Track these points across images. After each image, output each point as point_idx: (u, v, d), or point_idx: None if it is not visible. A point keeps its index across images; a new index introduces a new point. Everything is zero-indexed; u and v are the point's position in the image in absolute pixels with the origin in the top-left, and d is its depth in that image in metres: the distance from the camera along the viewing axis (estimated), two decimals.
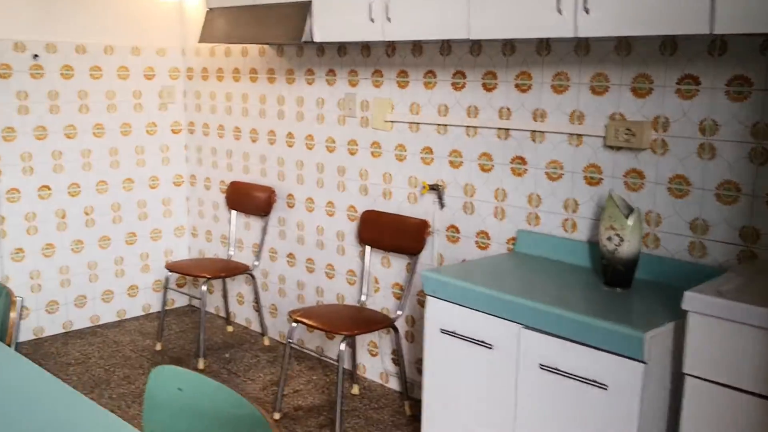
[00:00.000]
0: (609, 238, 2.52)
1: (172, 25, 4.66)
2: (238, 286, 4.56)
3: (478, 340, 2.53)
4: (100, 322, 4.56)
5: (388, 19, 2.99)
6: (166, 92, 4.68)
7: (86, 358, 4.01)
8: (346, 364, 3.76)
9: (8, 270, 4.15)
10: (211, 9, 3.95)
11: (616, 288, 2.53)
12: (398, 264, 3.60)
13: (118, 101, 4.49)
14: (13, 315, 2.04)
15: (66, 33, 4.24)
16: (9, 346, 1.99)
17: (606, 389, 2.19)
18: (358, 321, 3.34)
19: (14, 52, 4.06)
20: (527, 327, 2.39)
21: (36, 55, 4.13)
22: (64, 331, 4.41)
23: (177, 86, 4.74)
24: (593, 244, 2.82)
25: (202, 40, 3.97)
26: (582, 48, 2.82)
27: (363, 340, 3.78)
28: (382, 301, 3.69)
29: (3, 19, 4.00)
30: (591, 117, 2.81)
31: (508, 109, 3.07)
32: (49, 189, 4.28)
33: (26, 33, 4.09)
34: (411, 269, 3.49)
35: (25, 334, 4.24)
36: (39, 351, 4.09)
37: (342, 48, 3.72)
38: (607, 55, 2.74)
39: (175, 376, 1.52)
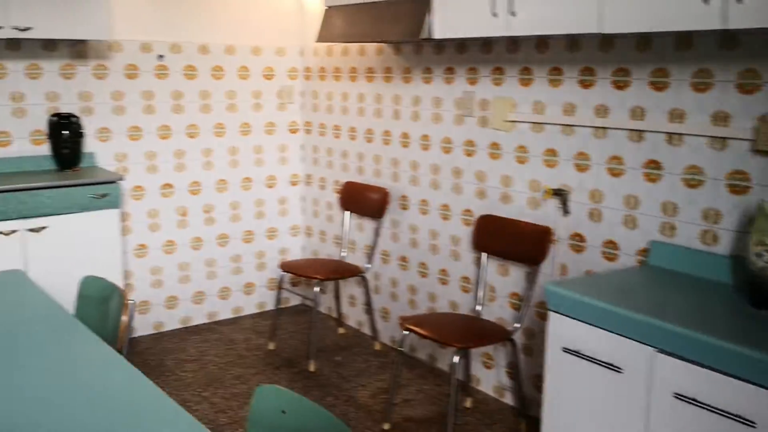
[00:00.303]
0: (758, 254, 2.24)
1: (292, 24, 4.67)
2: (350, 287, 4.51)
3: (605, 363, 2.32)
4: (217, 319, 4.63)
5: (512, 14, 2.82)
6: (284, 92, 4.69)
7: (202, 355, 4.07)
8: (459, 375, 3.61)
9: (131, 265, 4.27)
10: (329, 7, 3.90)
11: (766, 310, 2.25)
12: (516, 272, 3.41)
13: (239, 101, 4.54)
14: (124, 318, 2.03)
15: (190, 34, 4.32)
16: (120, 350, 1.98)
17: (754, 428, 1.94)
18: (473, 332, 3.19)
19: (141, 52, 4.17)
20: (661, 351, 2.16)
21: (161, 56, 4.23)
22: (182, 326, 4.50)
23: (295, 86, 4.74)
24: (738, 260, 2.53)
25: (320, 39, 3.92)
26: (728, 41, 2.53)
27: (477, 351, 3.62)
28: (498, 311, 3.51)
29: (131, 21, 4.11)
30: (737, 118, 2.53)
31: (642, 108, 2.82)
32: (171, 187, 4.38)
33: (153, 34, 4.20)
34: (530, 279, 3.30)
35: (146, 329, 4.36)
36: (158, 345, 4.19)
37: (461, 45, 3.57)
38: (758, 49, 2.45)
39: (279, 397, 1.43)
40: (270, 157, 4.72)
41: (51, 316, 2.21)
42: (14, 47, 3.81)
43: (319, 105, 4.63)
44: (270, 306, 4.81)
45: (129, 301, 2.06)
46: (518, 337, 3.40)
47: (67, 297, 2.58)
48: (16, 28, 3.49)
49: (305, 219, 4.89)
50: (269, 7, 4.57)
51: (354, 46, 4.28)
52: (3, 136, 3.86)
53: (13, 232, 3.49)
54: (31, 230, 3.53)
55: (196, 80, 4.38)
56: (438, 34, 3.19)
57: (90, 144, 4.07)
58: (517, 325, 3.29)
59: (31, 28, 3.52)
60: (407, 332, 3.19)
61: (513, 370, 3.44)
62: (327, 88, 4.55)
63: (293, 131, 4.79)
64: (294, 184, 4.84)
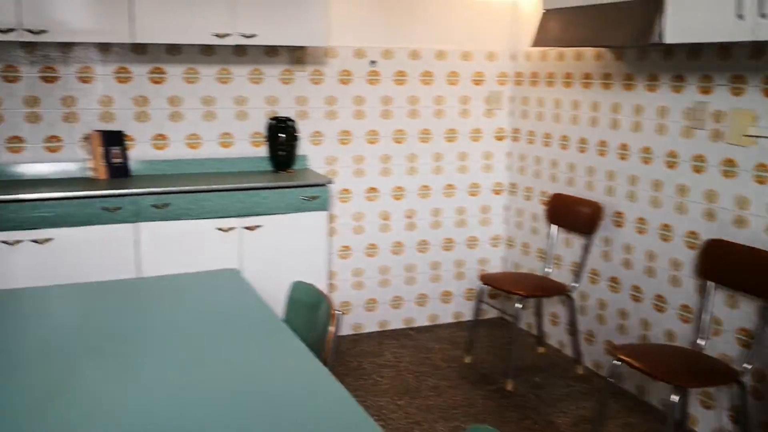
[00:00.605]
0: None
1: (504, 28, 4.52)
2: (552, 305, 4.28)
3: None
4: (413, 325, 4.61)
5: (763, 16, 2.48)
6: (493, 98, 4.57)
7: (398, 362, 4.05)
8: (675, 414, 3.27)
9: (335, 266, 4.36)
10: (547, 10, 3.71)
11: None
12: (748, 306, 3.03)
13: (446, 106, 4.48)
14: (331, 329, 2.02)
15: (402, 39, 4.32)
16: (326, 361, 1.96)
17: None
18: (695, 370, 2.86)
19: (355, 58, 4.24)
20: None
21: (373, 62, 4.27)
22: (380, 329, 4.53)
23: (504, 92, 4.60)
24: None
25: (535, 44, 3.75)
26: None
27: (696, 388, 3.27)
28: (722, 347, 3.14)
29: (347, 28, 4.19)
30: None
31: None
32: (376, 191, 4.42)
33: (367, 40, 4.25)
34: (766, 315, 2.91)
35: (346, 329, 4.43)
36: (357, 347, 4.24)
37: (694, 50, 3.24)
38: None
39: None
40: (474, 164, 4.62)
41: (261, 318, 2.26)
42: (240, 53, 4.01)
43: (529, 112, 4.45)
44: (467, 317, 4.71)
45: (336, 312, 2.04)
46: (747, 379, 3.01)
47: (276, 294, 2.64)
48: (243, 35, 3.67)
49: (507, 230, 4.73)
50: (481, 11, 4.46)
51: (570, 51, 4.05)
52: (226, 138, 4.08)
53: (231, 229, 3.67)
54: (247, 228, 3.70)
55: (406, 86, 4.37)
56: (670, 38, 2.91)
57: (303, 147, 4.20)
58: (746, 365, 2.92)
59: (256, 35, 3.69)
60: (618, 362, 2.94)
61: (738, 415, 3.06)
62: (538, 94, 4.35)
63: (500, 138, 4.65)
64: (497, 192, 4.70)
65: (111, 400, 1.71)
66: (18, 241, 3.33)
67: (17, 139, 3.73)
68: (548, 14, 3.71)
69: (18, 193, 3.34)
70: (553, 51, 4.20)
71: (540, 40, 3.73)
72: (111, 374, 1.85)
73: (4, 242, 3.30)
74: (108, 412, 1.65)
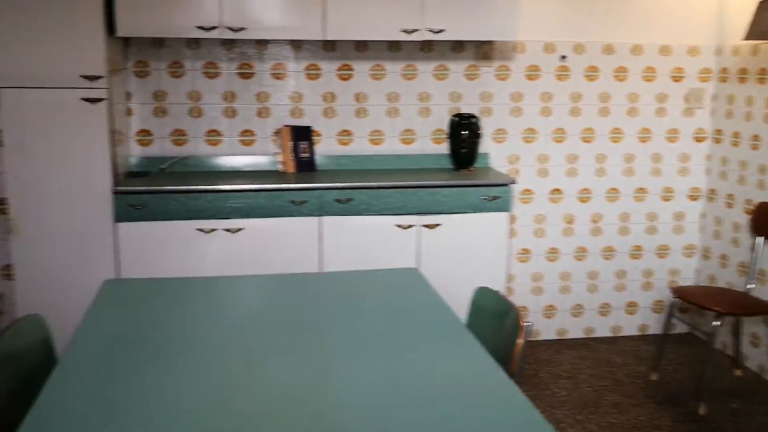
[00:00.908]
0: None
1: (709, 21, 4.15)
2: (753, 324, 3.88)
3: None
4: (594, 335, 4.37)
5: None
6: (693, 96, 4.21)
7: (577, 373, 3.85)
8: None
9: (513, 269, 4.23)
10: (764, 0, 3.35)
11: None
12: None
13: (640, 104, 4.19)
14: (520, 341, 1.91)
15: (595, 33, 4.09)
16: (513, 374, 1.86)
17: None
18: None
19: (544, 53, 4.07)
20: None
21: (564, 56, 4.08)
22: (557, 338, 4.34)
23: (707, 89, 4.22)
24: None
25: (749, 37, 3.40)
26: None
27: None
28: None
29: (536, 21, 4.03)
30: None
31: None
32: (560, 192, 4.23)
33: (557, 34, 4.06)
34: None
35: None
36: (533, 355, 4.08)
37: None
38: None
39: None
40: (669, 166, 4.29)
41: (445, 322, 2.19)
42: (426, 49, 3.98)
43: (735, 111, 4.06)
44: (653, 330, 4.40)
45: (525, 324, 1.93)
46: None
47: (454, 295, 2.56)
48: (431, 30, 3.63)
49: (703, 239, 4.35)
50: (683, 2, 4.12)
51: None
52: (408, 134, 4.07)
53: (410, 226, 3.65)
54: (426, 226, 3.66)
55: (597, 82, 4.14)
56: None
57: (485, 144, 4.10)
58: None
59: (444, 30, 3.63)
60: None
61: None
62: (747, 92, 3.95)
63: (699, 140, 4.28)
64: (694, 198, 4.34)
65: (296, 394, 1.71)
66: (212, 230, 3.50)
67: (215, 132, 3.93)
68: (765, 4, 3.34)
69: (214, 184, 3.51)
70: (766, 44, 3.79)
71: (755, 32, 3.38)
72: (296, 370, 1.86)
73: (200, 230, 3.49)
74: (290, 408, 1.65)
